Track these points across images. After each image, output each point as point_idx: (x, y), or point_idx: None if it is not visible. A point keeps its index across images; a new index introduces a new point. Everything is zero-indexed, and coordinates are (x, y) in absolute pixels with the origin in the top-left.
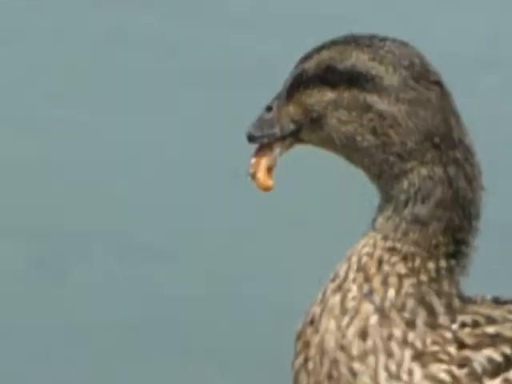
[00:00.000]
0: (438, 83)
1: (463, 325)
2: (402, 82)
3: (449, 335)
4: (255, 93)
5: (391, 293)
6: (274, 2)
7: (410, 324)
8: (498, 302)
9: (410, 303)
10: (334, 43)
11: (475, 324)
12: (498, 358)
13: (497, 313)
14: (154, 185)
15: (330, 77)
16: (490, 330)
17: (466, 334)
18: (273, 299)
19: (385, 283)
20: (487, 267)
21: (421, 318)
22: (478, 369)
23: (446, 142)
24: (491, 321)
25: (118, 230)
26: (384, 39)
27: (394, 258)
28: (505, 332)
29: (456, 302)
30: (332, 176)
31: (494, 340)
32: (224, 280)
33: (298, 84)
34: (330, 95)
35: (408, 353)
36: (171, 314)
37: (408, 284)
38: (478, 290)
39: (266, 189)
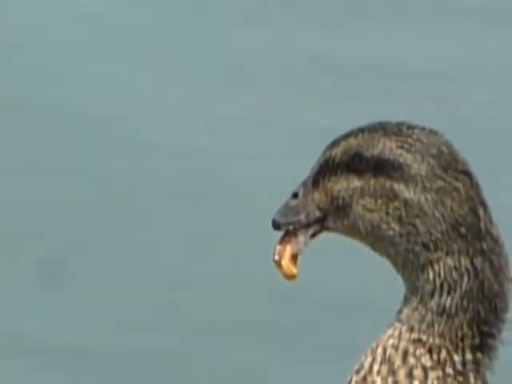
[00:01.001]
0: (467, 173)
1: None
2: (429, 170)
3: None
4: None
5: None
6: None
7: None
8: None
9: None
10: (361, 130)
11: None
12: None
13: None
14: None
15: (356, 164)
16: None
17: None
18: None
19: (410, 376)
20: None
21: None
22: None
23: (472, 232)
24: None
25: None
26: (412, 127)
27: (420, 351)
28: None
29: None
30: None
31: None
32: None
33: (325, 171)
34: (356, 183)
35: None
36: None
37: (433, 377)
38: None
39: (291, 277)
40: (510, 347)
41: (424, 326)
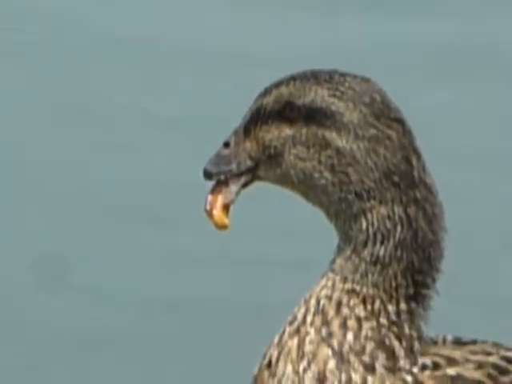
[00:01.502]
0: (399, 120)
1: (424, 367)
2: (362, 118)
3: (409, 378)
4: None
5: (350, 336)
6: None
7: (369, 368)
8: (459, 342)
9: (370, 347)
10: (292, 79)
11: (436, 366)
12: None
13: (458, 354)
14: None
15: (288, 113)
16: (451, 371)
17: (426, 377)
18: None
19: (344, 326)
20: None
21: (380, 362)
22: None
23: (406, 180)
24: (452, 362)
25: None
26: (344, 75)
27: (354, 301)
28: (466, 373)
29: (417, 345)
30: None
31: (455, 382)
32: None
33: (256, 120)
34: (287, 131)
35: None
36: None
37: (367, 327)
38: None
39: (222, 227)
40: None
41: (357, 276)
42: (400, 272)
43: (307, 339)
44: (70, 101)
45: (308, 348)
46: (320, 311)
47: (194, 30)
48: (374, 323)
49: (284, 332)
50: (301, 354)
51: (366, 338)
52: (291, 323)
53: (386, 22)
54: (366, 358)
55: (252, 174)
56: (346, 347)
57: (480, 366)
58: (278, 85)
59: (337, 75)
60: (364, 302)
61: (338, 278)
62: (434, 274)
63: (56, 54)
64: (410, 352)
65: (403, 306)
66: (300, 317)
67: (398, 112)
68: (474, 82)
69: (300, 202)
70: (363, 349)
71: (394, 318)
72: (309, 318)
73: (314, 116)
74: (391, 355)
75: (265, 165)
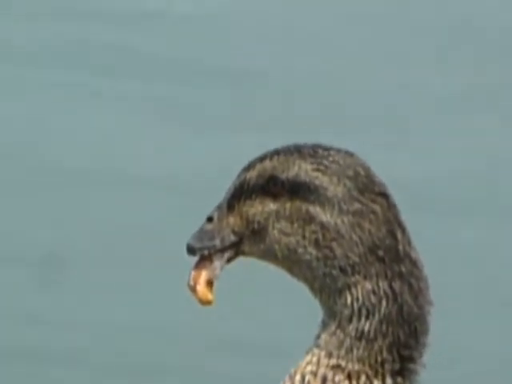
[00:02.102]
0: (384, 195)
1: None
2: (346, 193)
3: None
4: None
5: None
6: None
7: None
8: None
9: None
10: (276, 153)
11: None
12: None
13: None
14: None
15: (272, 187)
16: None
17: None
18: None
19: None
20: None
21: None
22: None
23: (390, 255)
24: None
25: None
26: (328, 149)
27: (339, 377)
28: None
29: None
30: None
31: None
32: None
33: (240, 194)
34: (271, 206)
35: None
36: None
37: None
38: None
39: (206, 302)
40: None
41: (343, 352)
42: (386, 347)
43: None
44: None
45: None
46: None
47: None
48: None
49: None
50: None
51: None
52: None
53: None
54: None
55: (236, 249)
56: None
57: None
58: (261, 159)
59: (320, 149)
60: (349, 377)
61: (323, 354)
62: (421, 348)
63: None
64: None
65: (389, 381)
66: None
67: (383, 186)
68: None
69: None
70: None
71: None
72: None
73: (298, 190)
74: None
75: (249, 240)
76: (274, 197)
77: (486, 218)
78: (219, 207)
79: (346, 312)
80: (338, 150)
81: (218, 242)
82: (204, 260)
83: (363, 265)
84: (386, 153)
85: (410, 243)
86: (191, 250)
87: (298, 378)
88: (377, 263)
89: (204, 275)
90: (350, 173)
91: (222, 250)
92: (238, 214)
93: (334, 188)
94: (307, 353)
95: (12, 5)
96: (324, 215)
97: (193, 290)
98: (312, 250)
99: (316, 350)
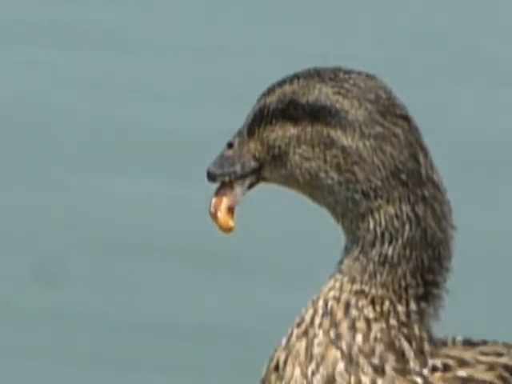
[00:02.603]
0: (405, 117)
1: (434, 369)
2: (367, 116)
3: (419, 380)
4: None
5: (359, 338)
6: None
7: (379, 370)
8: (469, 343)
9: (379, 349)
10: (296, 77)
11: (446, 367)
12: None
13: (468, 355)
14: None
15: (292, 112)
16: (462, 373)
17: (436, 379)
18: None
19: (352, 328)
20: None
21: (390, 364)
22: None
23: (413, 179)
24: (462, 363)
25: None
26: (349, 72)
27: (362, 302)
28: (477, 374)
29: (427, 346)
30: None
31: (466, 383)
32: None
33: (260, 120)
34: (292, 131)
35: None
36: None
37: (377, 329)
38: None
39: (227, 229)
40: None
41: (366, 277)
42: (409, 272)
43: (315, 341)
44: None
45: (316, 350)
46: (328, 313)
47: None
48: (384, 324)
49: (291, 334)
50: (309, 357)
51: (376, 339)
52: (299, 325)
53: None
54: (375, 360)
55: (257, 176)
56: (355, 349)
57: (491, 367)
58: (281, 84)
59: (341, 72)
60: (373, 302)
61: (345, 279)
62: (444, 273)
63: None
64: (420, 353)
65: (413, 306)
66: (308, 319)
67: (404, 109)
68: None
69: None
70: (372, 351)
71: (403, 318)
72: (317, 320)
73: (319, 114)
74: (401, 357)
75: (269, 165)
76: (295, 121)
77: None
78: (239, 133)
79: (369, 237)
80: (359, 73)
81: (238, 168)
82: (225, 187)
83: (386, 189)
84: None
85: (432, 167)
86: (212, 177)
87: (320, 303)
88: (399, 187)
89: (225, 202)
90: (371, 96)
91: (243, 177)
92: (259, 139)
93: (355, 111)
94: (330, 278)
95: None
96: (345, 139)
97: (214, 216)
98: (334, 175)
99: (339, 276)
